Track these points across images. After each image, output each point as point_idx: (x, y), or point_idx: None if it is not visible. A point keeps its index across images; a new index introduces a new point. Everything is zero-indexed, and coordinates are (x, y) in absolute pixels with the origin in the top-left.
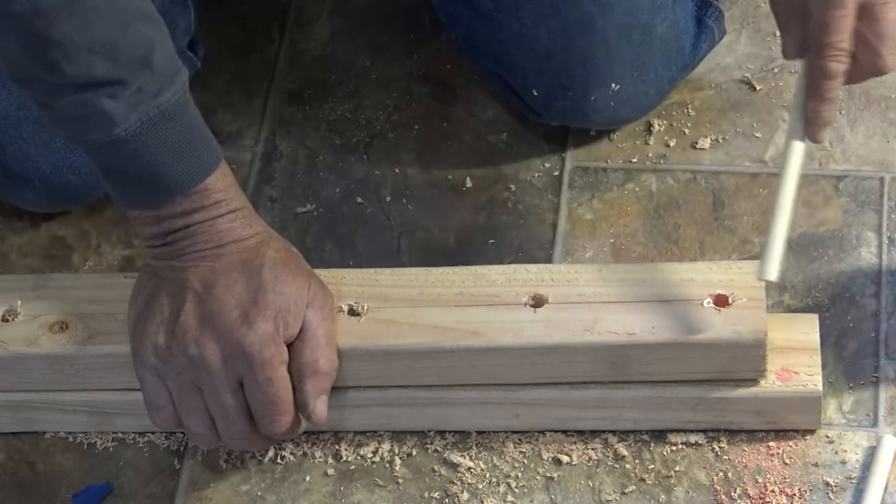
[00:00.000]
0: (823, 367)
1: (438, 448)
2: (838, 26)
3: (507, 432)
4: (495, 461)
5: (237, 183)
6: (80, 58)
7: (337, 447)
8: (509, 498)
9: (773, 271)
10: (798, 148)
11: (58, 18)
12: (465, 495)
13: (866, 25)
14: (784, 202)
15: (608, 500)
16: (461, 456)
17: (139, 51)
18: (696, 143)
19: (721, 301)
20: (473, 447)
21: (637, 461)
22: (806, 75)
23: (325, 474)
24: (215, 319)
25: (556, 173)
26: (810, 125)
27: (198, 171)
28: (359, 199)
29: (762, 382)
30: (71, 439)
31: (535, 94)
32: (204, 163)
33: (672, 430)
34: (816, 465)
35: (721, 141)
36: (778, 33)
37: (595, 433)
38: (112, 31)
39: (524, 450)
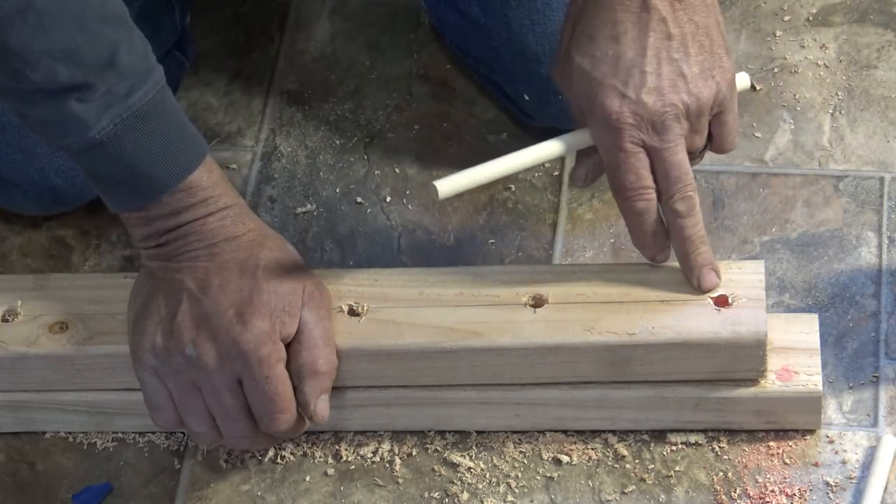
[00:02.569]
0: (823, 367)
1: (438, 448)
2: (628, 167)
3: (507, 432)
4: (495, 461)
5: (226, 179)
6: (42, 64)
7: (337, 447)
8: (509, 498)
9: (445, 189)
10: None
11: (11, 27)
12: (465, 495)
13: (657, 167)
14: (510, 162)
15: (608, 500)
16: (461, 456)
17: (103, 53)
18: None
19: (721, 301)
20: (473, 447)
21: (637, 461)
22: (621, 211)
23: (325, 474)
24: (211, 319)
25: (556, 173)
26: (645, 251)
27: (179, 169)
28: (359, 199)
29: (762, 382)
30: (71, 439)
31: (527, 98)
32: (185, 161)
33: (672, 430)
34: (816, 465)
35: None
36: (778, 33)
37: (595, 433)
38: (71, 35)
39: (524, 450)
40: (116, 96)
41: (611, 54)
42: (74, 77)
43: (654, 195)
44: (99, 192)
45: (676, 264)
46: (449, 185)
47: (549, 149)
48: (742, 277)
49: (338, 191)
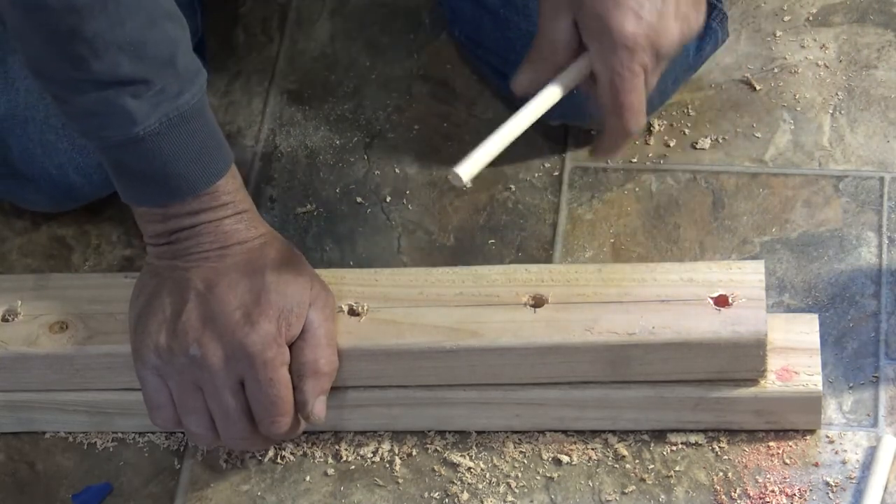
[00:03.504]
0: (823, 367)
1: (438, 448)
2: (632, 87)
3: (507, 432)
4: (495, 461)
5: (244, 185)
6: (108, 55)
7: (337, 447)
8: (509, 498)
9: (467, 172)
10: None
11: (90, 14)
12: (465, 495)
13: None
14: (519, 122)
15: (608, 500)
16: (461, 456)
17: (165, 50)
18: (696, 143)
19: (721, 301)
20: (473, 447)
21: (637, 461)
22: (606, 125)
23: (325, 474)
24: (217, 319)
25: (556, 173)
26: (607, 149)
27: (211, 173)
28: (359, 199)
29: (762, 382)
30: (71, 439)
31: None
32: (217, 165)
33: (672, 430)
34: (816, 465)
35: (721, 141)
36: (778, 33)
37: (595, 433)
38: (141, 29)
39: (524, 450)
40: (168, 95)
41: None
42: (135, 72)
43: (644, 119)
44: (120, 184)
45: (678, 263)
46: (470, 166)
47: (550, 95)
48: (742, 277)
49: (338, 191)
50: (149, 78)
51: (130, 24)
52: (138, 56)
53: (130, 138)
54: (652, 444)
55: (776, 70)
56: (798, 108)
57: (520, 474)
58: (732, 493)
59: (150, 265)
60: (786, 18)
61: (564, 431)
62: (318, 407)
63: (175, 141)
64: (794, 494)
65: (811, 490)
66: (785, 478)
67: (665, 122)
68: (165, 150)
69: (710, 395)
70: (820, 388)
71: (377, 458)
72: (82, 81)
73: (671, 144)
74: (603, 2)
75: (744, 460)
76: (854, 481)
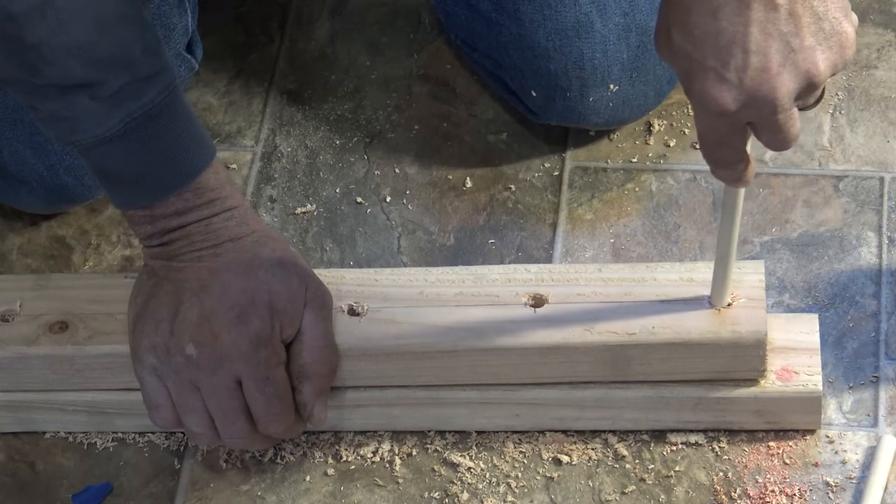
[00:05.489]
0: (823, 367)
1: (438, 448)
2: (729, 145)
3: (507, 432)
4: (495, 461)
5: (232, 181)
6: (58, 60)
7: (337, 447)
8: (509, 498)
9: (725, 299)
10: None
11: (30, 21)
12: (465, 495)
13: (759, 132)
14: (731, 233)
15: (608, 500)
16: (461, 456)
17: (118, 52)
18: (696, 143)
19: None
20: (473, 447)
21: (637, 461)
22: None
23: (325, 474)
24: (212, 319)
25: (556, 173)
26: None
27: (186, 170)
28: (359, 199)
29: (762, 382)
30: (71, 439)
31: (534, 94)
32: (193, 162)
33: (672, 430)
34: (816, 465)
35: None
36: None
37: (595, 433)
38: (88, 33)
39: (524, 450)
40: (128, 95)
41: (710, 31)
42: (89, 74)
43: (747, 164)
44: (105, 188)
45: (678, 263)
46: (726, 293)
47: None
48: (742, 277)
49: (338, 191)
50: (103, 79)
51: (75, 29)
52: (89, 59)
53: (99, 140)
54: (652, 444)
55: None
56: None
57: (520, 474)
58: (732, 493)
59: (147, 266)
60: None
61: (564, 431)
62: (319, 408)
63: (144, 140)
64: (794, 494)
65: (811, 490)
66: (785, 478)
67: (665, 122)
68: (135, 150)
69: (710, 395)
70: (820, 388)
71: (377, 458)
72: (42, 87)
73: (671, 144)
74: (688, 63)
75: (744, 460)
76: (854, 481)
